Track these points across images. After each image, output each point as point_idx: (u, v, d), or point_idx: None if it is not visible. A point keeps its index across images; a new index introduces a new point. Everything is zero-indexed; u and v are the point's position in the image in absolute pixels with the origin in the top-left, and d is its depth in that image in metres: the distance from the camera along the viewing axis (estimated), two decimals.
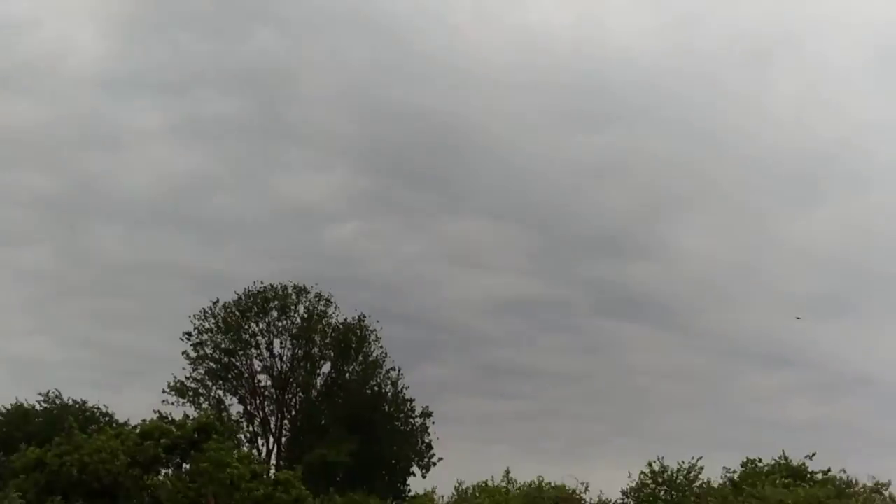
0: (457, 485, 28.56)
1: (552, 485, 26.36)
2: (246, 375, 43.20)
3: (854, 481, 22.93)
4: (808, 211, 62.66)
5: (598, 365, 60.71)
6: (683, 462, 32.28)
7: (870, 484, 22.08)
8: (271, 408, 43.50)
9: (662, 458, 32.50)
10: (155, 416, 34.78)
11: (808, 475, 25.78)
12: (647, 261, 61.34)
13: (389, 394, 44.37)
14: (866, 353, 55.32)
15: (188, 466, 27.70)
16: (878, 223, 59.59)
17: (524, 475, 26.90)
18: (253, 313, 43.28)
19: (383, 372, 44.37)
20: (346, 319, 44.09)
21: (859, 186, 62.41)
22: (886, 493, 21.13)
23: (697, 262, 60.58)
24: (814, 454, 27.51)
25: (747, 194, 63.42)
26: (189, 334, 42.71)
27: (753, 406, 54.59)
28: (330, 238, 60.84)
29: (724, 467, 30.33)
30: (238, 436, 40.51)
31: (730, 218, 63.90)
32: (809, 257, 60.12)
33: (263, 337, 43.43)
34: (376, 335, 44.46)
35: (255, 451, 39.84)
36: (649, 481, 32.22)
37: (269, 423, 43.23)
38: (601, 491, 30.68)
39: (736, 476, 29.07)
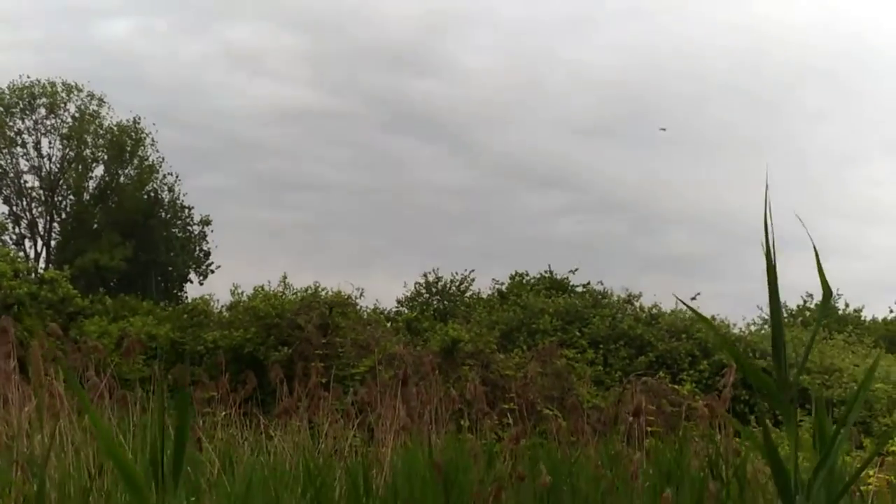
0: (233, 289, 28.83)
1: (328, 290, 27.20)
2: (11, 175, 40.70)
3: (610, 293, 24.76)
4: (589, 34, 63.98)
5: (379, 180, 61.09)
6: (457, 274, 33.85)
7: (623, 295, 23.92)
8: (39, 210, 41.32)
9: (437, 269, 33.90)
10: None
11: (570, 287, 27.52)
12: (433, 78, 61.33)
13: (166, 200, 43.05)
14: (630, 178, 58.67)
15: None
16: (659, 50, 61.97)
17: (303, 283, 27.47)
18: (18, 110, 40.42)
19: (160, 177, 42.89)
20: (120, 121, 42.07)
21: (642, 14, 64.17)
22: (637, 304, 23.03)
23: (481, 81, 61.24)
24: (576, 269, 29.33)
25: (532, 18, 63.97)
26: None
27: (526, 224, 57.05)
28: (102, 34, 56.73)
29: (493, 279, 31.88)
30: (2, 237, 38.58)
31: (514, 39, 64.44)
32: (586, 81, 62.14)
33: (30, 136, 40.80)
34: (153, 139, 42.63)
35: (21, 254, 38.08)
36: (424, 291, 33.66)
37: (38, 226, 41.14)
38: (377, 299, 31.73)
39: (504, 287, 30.59)
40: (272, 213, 58.87)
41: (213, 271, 43.82)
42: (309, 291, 17.41)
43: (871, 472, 8.89)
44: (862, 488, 6.38)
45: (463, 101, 60.21)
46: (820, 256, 2.89)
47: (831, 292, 2.82)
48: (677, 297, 18.55)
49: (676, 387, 14.47)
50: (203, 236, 44.03)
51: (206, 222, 43.91)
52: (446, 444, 6.23)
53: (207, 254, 43.92)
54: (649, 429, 8.36)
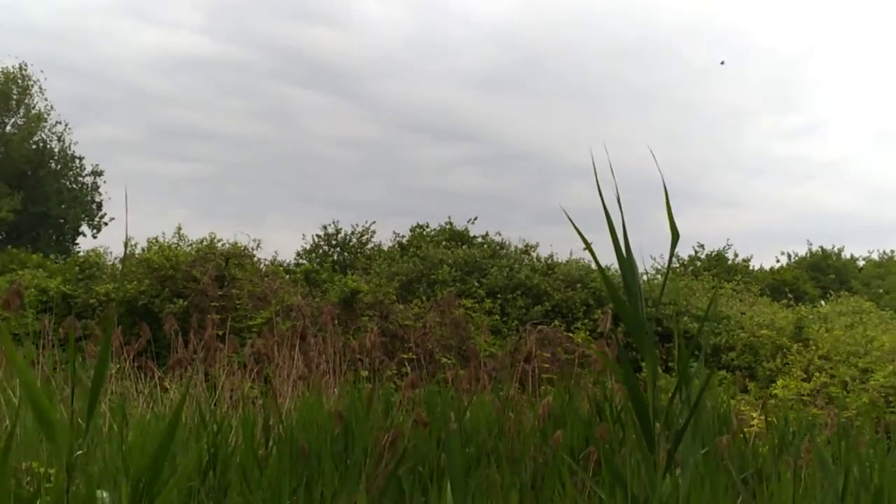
0: (126, 241, 27.79)
1: (225, 242, 26.74)
2: None
3: (508, 243, 25.05)
4: None
5: (276, 131, 60.18)
6: (357, 226, 33.77)
7: (520, 246, 24.23)
8: None
9: (337, 221, 33.76)
10: None
11: (469, 238, 27.73)
12: (329, 27, 60.47)
13: (56, 150, 41.75)
14: (527, 129, 59.17)
15: None
16: (553, 2, 62.20)
17: (199, 235, 26.88)
18: None
19: (48, 126, 41.50)
20: (5, 68, 40.36)
21: None
22: (534, 254, 23.38)
23: (378, 32, 60.63)
24: (475, 219, 29.63)
25: None
26: None
27: (425, 176, 57.17)
28: None
29: (394, 231, 31.91)
30: None
31: None
32: (485, 33, 62.13)
33: None
34: (40, 87, 41.18)
35: None
36: (323, 243, 33.47)
37: None
38: (275, 251, 31.41)
39: (405, 240, 30.65)
40: (167, 165, 57.59)
41: (106, 224, 42.75)
42: (204, 243, 17.12)
43: (753, 415, 9.30)
44: (745, 429, 6.66)
45: (360, 52, 59.62)
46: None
47: (678, 235, 2.95)
48: (586, 243, 18.90)
49: (571, 335, 14.81)
50: (95, 188, 42.83)
51: (97, 173, 42.70)
52: (344, 392, 6.27)
53: (100, 206, 42.77)
54: (544, 375, 8.56)
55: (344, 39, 59.31)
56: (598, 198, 3.00)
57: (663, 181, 2.98)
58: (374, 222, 33.43)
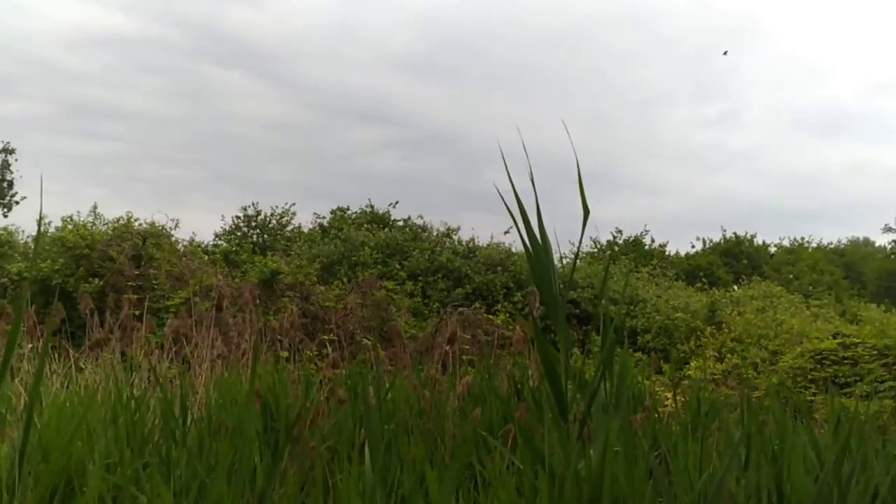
0: (39, 219, 27.09)
1: (142, 222, 26.24)
2: None
3: (429, 226, 25.13)
4: None
5: (196, 110, 59.14)
6: (277, 207, 33.46)
7: (442, 229, 24.33)
8: None
9: (257, 203, 33.40)
10: None
11: (391, 221, 27.74)
12: (252, 7, 59.57)
13: None
14: (454, 115, 59.30)
15: None
16: None
17: (115, 215, 26.34)
18: None
19: None
20: None
21: None
22: (455, 238, 23.48)
23: (300, 13, 59.97)
24: (397, 202, 29.65)
25: None
26: None
27: (348, 159, 56.87)
28: None
29: (314, 213, 31.74)
30: None
31: None
32: (410, 16, 61.96)
33: None
34: None
35: None
36: (243, 224, 33.08)
37: None
38: (194, 232, 30.93)
39: (326, 222, 30.51)
40: (83, 143, 56.12)
41: (17, 203, 41.57)
42: (121, 222, 16.81)
43: (667, 395, 9.52)
44: (659, 409, 6.82)
45: (283, 33, 58.93)
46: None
47: (588, 211, 3.03)
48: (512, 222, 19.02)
49: (491, 317, 14.95)
50: (6, 166, 41.57)
51: (8, 151, 41.44)
52: (263, 372, 6.25)
53: (11, 184, 41.56)
54: (464, 356, 8.65)
55: (266, 20, 58.51)
56: (524, 182, 3.05)
57: (577, 161, 3.05)
58: (293, 204, 33.17)
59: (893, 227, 48.73)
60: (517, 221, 2.99)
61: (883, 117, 65.33)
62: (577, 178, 3.07)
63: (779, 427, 3.17)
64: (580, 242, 3.14)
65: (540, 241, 2.99)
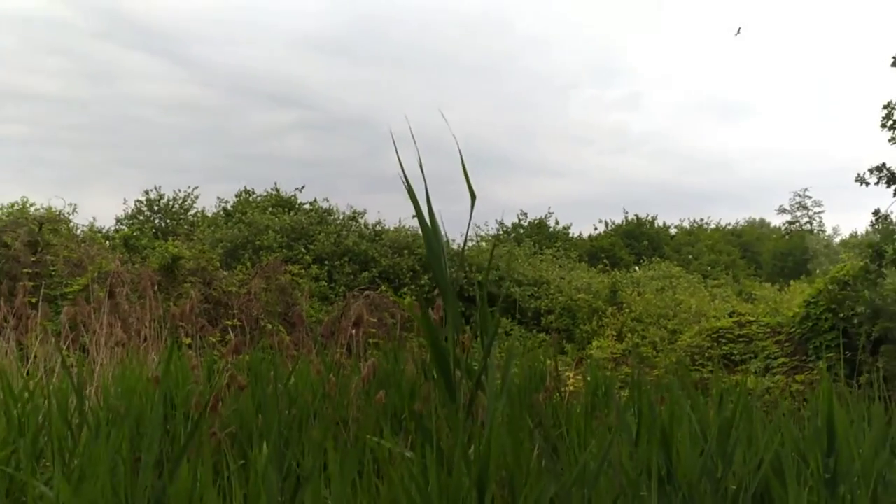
0: None
1: (38, 207, 25.44)
2: None
3: (335, 210, 25.01)
4: None
5: (99, 93, 57.53)
6: (180, 191, 32.88)
7: (348, 213, 24.24)
8: None
9: (160, 186, 32.79)
10: None
11: (297, 205, 27.52)
12: None
13: None
14: (364, 98, 59.01)
15: None
16: None
17: (11, 200, 25.43)
18: None
19: None
20: None
21: None
22: (362, 221, 23.43)
23: None
24: (303, 187, 29.44)
25: None
26: None
27: (254, 141, 56.13)
28: None
29: (218, 197, 31.30)
30: None
31: None
32: None
33: None
34: None
35: None
36: (145, 209, 32.43)
37: None
38: (94, 217, 30.24)
39: (230, 205, 30.12)
40: None
41: None
42: (16, 207, 16.32)
43: (570, 375, 9.70)
44: (561, 389, 6.95)
45: (188, 14, 57.70)
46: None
47: (475, 196, 3.09)
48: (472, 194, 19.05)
49: (398, 300, 14.98)
50: None
51: None
52: (164, 359, 6.16)
53: None
54: (370, 340, 8.66)
55: (171, 1, 57.22)
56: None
57: (458, 145, 3.09)
58: (196, 188, 32.66)
59: (788, 208, 50.47)
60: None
61: (774, 102, 67.53)
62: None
63: (669, 404, 3.28)
64: (468, 226, 3.19)
65: (430, 224, 3.03)
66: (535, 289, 20.05)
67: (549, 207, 41.36)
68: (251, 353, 6.56)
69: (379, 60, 59.54)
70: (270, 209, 25.28)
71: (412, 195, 2.97)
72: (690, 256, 36.63)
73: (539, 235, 34.12)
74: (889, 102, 12.36)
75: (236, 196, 30.68)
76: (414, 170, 3.07)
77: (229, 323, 11.18)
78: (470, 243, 29.71)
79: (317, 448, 3.47)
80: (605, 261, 28.80)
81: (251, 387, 5.08)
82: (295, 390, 5.41)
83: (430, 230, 3.04)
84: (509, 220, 37.22)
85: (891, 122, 12.34)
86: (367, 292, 13.06)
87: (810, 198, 50.24)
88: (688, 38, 68.12)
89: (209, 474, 3.07)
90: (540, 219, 37.56)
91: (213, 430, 4.00)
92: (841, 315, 14.16)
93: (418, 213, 3.04)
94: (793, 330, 14.91)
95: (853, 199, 59.75)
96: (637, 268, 28.43)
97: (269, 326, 11.88)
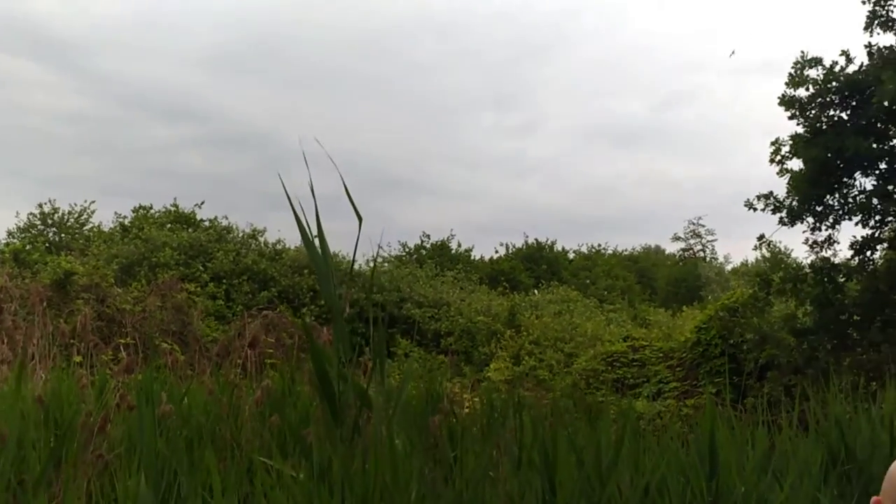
0: None
1: None
2: None
3: (235, 227, 24.68)
4: None
5: None
6: (76, 205, 32.00)
7: (248, 230, 23.95)
8: None
9: (54, 200, 31.86)
10: None
11: (197, 222, 27.06)
12: None
13: None
14: (262, 115, 58.45)
15: None
16: None
17: None
18: None
19: None
20: None
21: None
22: (262, 239, 23.17)
23: (103, 4, 57.48)
24: (203, 202, 28.96)
25: None
26: None
27: (152, 156, 54.98)
28: None
29: (115, 212, 30.55)
30: None
31: None
32: (215, 12, 60.64)
33: None
34: None
35: None
36: (38, 222, 31.44)
37: None
38: None
39: (127, 221, 29.46)
40: None
41: None
42: None
43: (467, 396, 9.78)
44: (457, 411, 7.01)
45: (82, 24, 56.39)
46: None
47: (361, 218, 3.15)
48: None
49: (297, 320, 14.87)
50: None
51: None
52: (53, 378, 6.01)
53: None
54: (268, 360, 8.58)
55: (65, 11, 55.81)
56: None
57: (339, 171, 3.13)
58: (93, 202, 31.84)
59: (682, 236, 51.84)
60: (303, 227, 3.04)
61: (670, 132, 69.46)
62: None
63: (555, 427, 3.36)
64: (356, 247, 3.23)
65: (319, 247, 3.06)
66: (436, 310, 20.14)
67: (452, 230, 41.61)
68: (144, 373, 6.45)
69: (276, 78, 59.24)
70: (169, 225, 24.82)
71: (298, 221, 3.00)
72: (588, 281, 37.27)
73: (441, 257, 34.26)
74: (777, 139, 12.88)
75: (133, 211, 30.02)
76: (314, 189, 3.10)
77: (122, 341, 10.93)
78: (372, 264, 29.66)
79: (203, 472, 3.45)
80: (504, 284, 29.10)
81: (141, 407, 5.00)
82: (188, 411, 5.34)
83: (318, 253, 3.07)
84: (412, 242, 37.33)
85: (779, 157, 12.84)
86: (265, 312, 12.93)
87: (704, 226, 51.62)
88: (585, 66, 69.64)
89: (78, 500, 3.02)
90: (442, 241, 37.75)
91: (100, 452, 3.92)
92: (731, 341, 14.63)
93: (304, 237, 3.06)
94: (684, 355, 15.33)
95: (744, 229, 61.80)
96: (536, 291, 28.81)
97: (164, 345, 11.66)
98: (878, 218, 12.73)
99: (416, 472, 3.03)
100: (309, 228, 3.17)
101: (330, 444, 2.87)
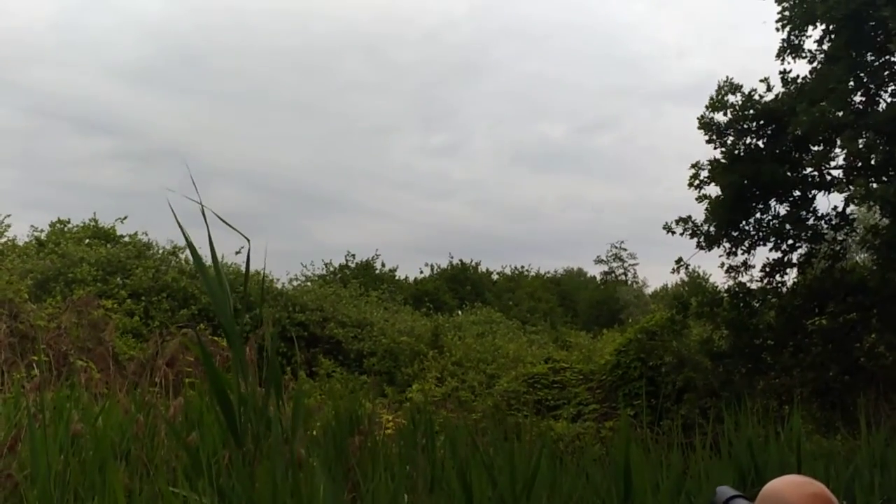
0: None
1: None
2: None
3: (155, 244, 24.22)
4: None
5: None
6: None
7: (168, 247, 23.52)
8: None
9: None
10: None
11: (117, 237, 26.52)
12: None
13: None
14: (183, 129, 57.67)
15: None
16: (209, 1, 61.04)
17: None
18: None
19: None
20: None
21: None
22: (182, 256, 22.78)
23: (18, 13, 56.20)
24: (125, 217, 28.36)
25: None
26: None
27: (70, 169, 53.81)
28: None
29: (31, 226, 29.79)
30: None
31: None
32: (135, 24, 59.75)
33: None
34: None
35: None
36: None
37: None
38: None
39: (43, 235, 28.74)
40: None
41: None
42: None
43: (389, 417, 9.77)
44: (378, 432, 7.00)
45: None
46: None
47: (248, 240, 3.18)
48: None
49: (217, 339, 14.66)
50: None
51: None
52: None
53: None
54: (186, 379, 8.45)
55: None
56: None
57: (198, 194, 3.13)
58: (8, 216, 30.91)
59: (604, 259, 52.53)
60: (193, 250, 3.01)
61: (591, 156, 70.56)
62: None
63: (470, 449, 3.39)
64: (248, 264, 3.22)
65: (213, 269, 3.05)
66: (359, 330, 20.06)
67: (377, 249, 41.52)
68: (57, 391, 6.31)
69: (196, 92, 58.61)
70: (87, 241, 24.27)
71: (191, 246, 2.98)
72: (511, 303, 37.49)
73: (365, 277, 34.14)
74: (697, 163, 13.15)
75: (50, 226, 29.27)
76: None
77: (35, 358, 10.64)
78: (296, 283, 29.45)
79: (113, 493, 3.39)
80: (428, 304, 29.13)
81: (54, 426, 4.89)
82: (102, 430, 5.24)
83: (213, 277, 3.06)
84: (337, 261, 37.14)
85: (697, 182, 13.12)
86: (185, 330, 12.73)
87: (626, 250, 52.37)
88: (508, 89, 70.34)
89: None
90: (367, 260, 37.63)
91: (9, 472, 3.82)
92: (650, 364, 14.87)
93: (196, 261, 3.04)
94: (604, 377, 15.53)
95: (664, 253, 62.95)
96: (460, 312, 28.91)
97: (79, 363, 11.39)
98: (789, 242, 13.09)
99: (328, 494, 3.03)
100: (214, 251, 3.15)
101: (232, 466, 2.86)
